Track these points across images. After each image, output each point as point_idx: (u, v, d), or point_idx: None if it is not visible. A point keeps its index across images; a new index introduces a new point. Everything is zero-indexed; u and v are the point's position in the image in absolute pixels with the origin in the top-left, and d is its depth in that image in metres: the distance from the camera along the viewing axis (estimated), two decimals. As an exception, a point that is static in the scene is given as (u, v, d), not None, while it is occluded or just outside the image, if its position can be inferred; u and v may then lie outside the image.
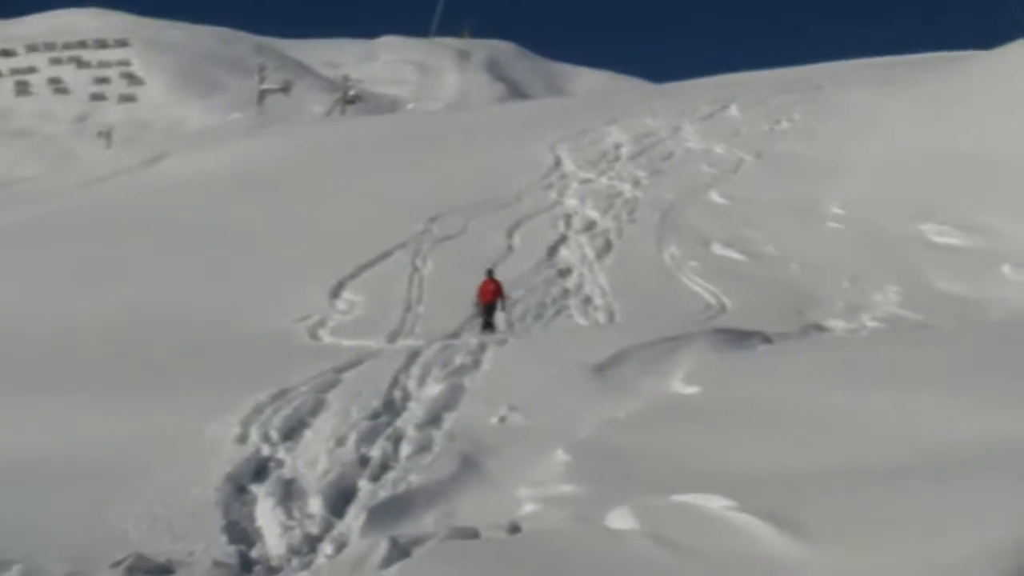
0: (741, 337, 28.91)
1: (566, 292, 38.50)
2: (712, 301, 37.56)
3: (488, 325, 34.81)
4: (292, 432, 21.85)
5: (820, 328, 34.18)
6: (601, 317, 35.65)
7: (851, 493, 14.13)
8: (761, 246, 45.47)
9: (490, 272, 36.12)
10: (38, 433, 21.20)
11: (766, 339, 29.34)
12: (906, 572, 11.79)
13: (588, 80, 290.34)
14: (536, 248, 44.18)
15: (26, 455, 19.73)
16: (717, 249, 44.59)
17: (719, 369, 24.87)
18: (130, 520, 17.14)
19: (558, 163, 62.38)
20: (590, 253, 43.75)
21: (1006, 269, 42.33)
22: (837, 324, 34.74)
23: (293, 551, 16.55)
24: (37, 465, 19.24)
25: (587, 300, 37.56)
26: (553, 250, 44.28)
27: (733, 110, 78.11)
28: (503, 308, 35.76)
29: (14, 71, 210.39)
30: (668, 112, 77.85)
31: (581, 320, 35.10)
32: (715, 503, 13.77)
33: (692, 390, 23.17)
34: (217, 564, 15.09)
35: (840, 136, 64.43)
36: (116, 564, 14.23)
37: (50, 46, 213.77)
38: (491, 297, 35.28)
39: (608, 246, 45.02)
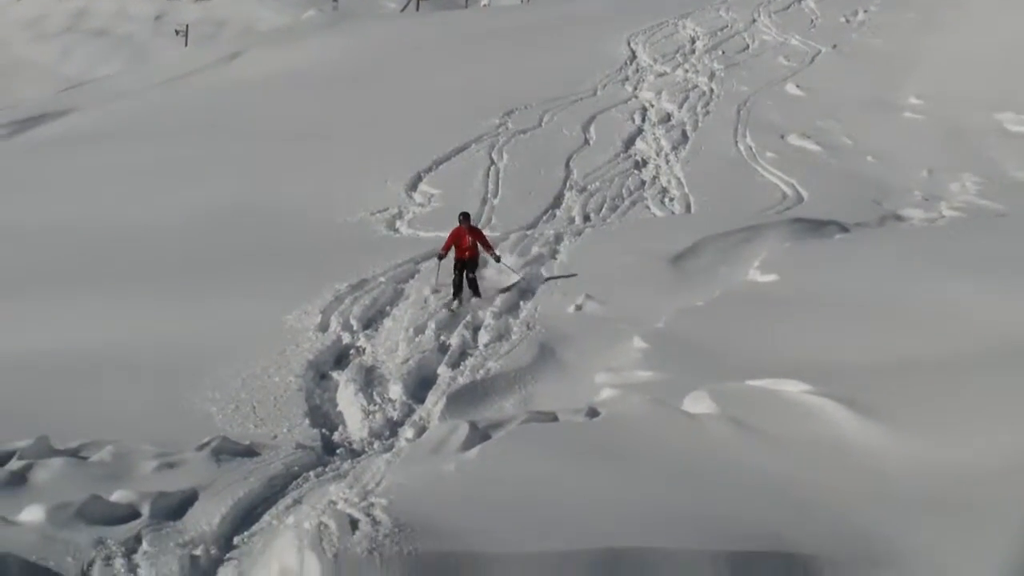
0: (818, 226, 28.81)
1: (642, 184, 38.20)
2: (788, 192, 37.25)
3: (460, 290, 23.88)
4: (372, 321, 22.16)
5: (898, 218, 33.85)
6: (677, 208, 35.42)
7: (931, 381, 14.16)
8: (838, 137, 44.96)
9: (466, 217, 25.18)
10: (124, 326, 21.53)
11: (843, 228, 29.22)
12: (986, 460, 11.84)
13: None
14: (612, 141, 43.81)
15: (112, 346, 20.09)
16: (793, 140, 44.11)
17: (796, 258, 24.81)
18: (214, 406, 17.52)
19: (633, 57, 61.88)
20: (666, 145, 43.38)
21: (1085, 158, 41.78)
22: (915, 214, 34.38)
23: (374, 435, 16.86)
24: (123, 355, 19.61)
25: (663, 191, 37.30)
26: (629, 143, 43.89)
27: (809, 2, 77.05)
28: (498, 260, 24.79)
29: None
30: (743, 5, 76.92)
31: (657, 211, 34.87)
32: (793, 388, 13.84)
33: (769, 279, 23.15)
34: (300, 447, 15.36)
35: (916, 27, 63.45)
36: (202, 446, 14.54)
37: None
38: (470, 252, 24.22)
39: (684, 138, 44.63)
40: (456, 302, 23.41)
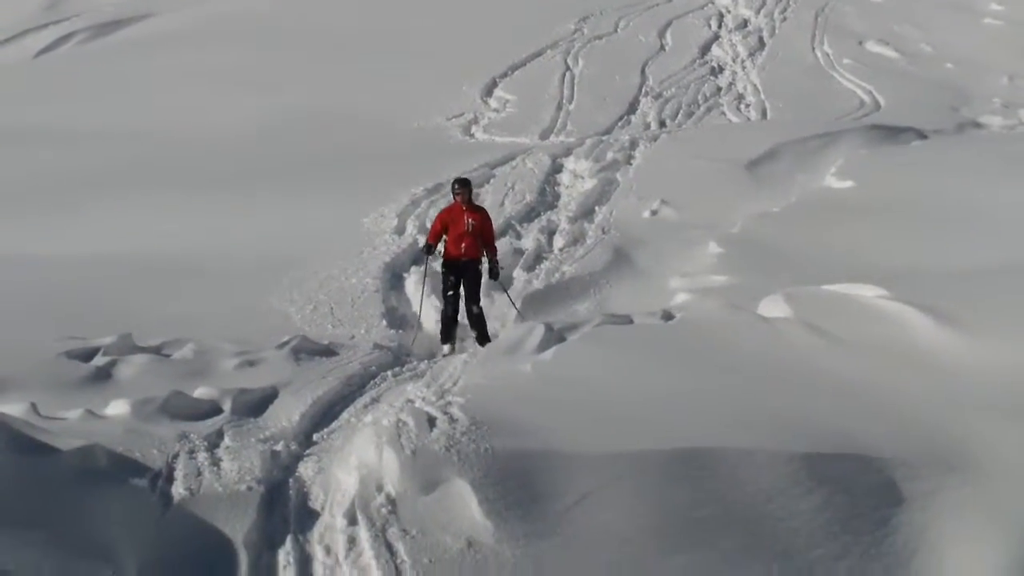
0: (895, 133, 28.61)
1: (718, 90, 37.96)
2: (866, 98, 36.91)
3: (455, 325, 16.86)
4: (448, 223, 22.22)
5: (976, 125, 33.52)
6: (753, 114, 35.23)
7: (1007, 287, 14.07)
8: (916, 44, 44.44)
9: (464, 186, 17.29)
10: (202, 230, 21.73)
11: (921, 135, 28.98)
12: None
13: None
14: (688, 47, 43.47)
15: (191, 250, 20.32)
16: (871, 47, 43.65)
17: (873, 164, 24.66)
18: (293, 307, 17.73)
19: (710, -38, 61.35)
20: (743, 51, 43.00)
21: None
22: (994, 121, 34.02)
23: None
24: (202, 257, 19.84)
25: (739, 98, 37.06)
26: (705, 49, 43.56)
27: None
28: (492, 269, 17.33)
29: None
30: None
31: (733, 118, 34.70)
32: (869, 293, 13.79)
33: (845, 185, 23.07)
34: (378, 347, 15.53)
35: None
36: (281, 345, 14.70)
37: None
38: (468, 250, 16.95)
39: (761, 44, 44.20)
40: (449, 348, 16.62)
